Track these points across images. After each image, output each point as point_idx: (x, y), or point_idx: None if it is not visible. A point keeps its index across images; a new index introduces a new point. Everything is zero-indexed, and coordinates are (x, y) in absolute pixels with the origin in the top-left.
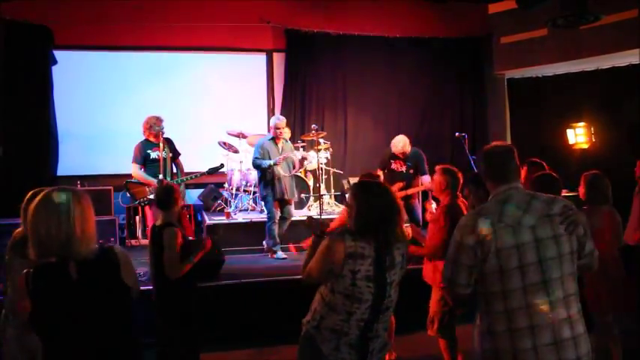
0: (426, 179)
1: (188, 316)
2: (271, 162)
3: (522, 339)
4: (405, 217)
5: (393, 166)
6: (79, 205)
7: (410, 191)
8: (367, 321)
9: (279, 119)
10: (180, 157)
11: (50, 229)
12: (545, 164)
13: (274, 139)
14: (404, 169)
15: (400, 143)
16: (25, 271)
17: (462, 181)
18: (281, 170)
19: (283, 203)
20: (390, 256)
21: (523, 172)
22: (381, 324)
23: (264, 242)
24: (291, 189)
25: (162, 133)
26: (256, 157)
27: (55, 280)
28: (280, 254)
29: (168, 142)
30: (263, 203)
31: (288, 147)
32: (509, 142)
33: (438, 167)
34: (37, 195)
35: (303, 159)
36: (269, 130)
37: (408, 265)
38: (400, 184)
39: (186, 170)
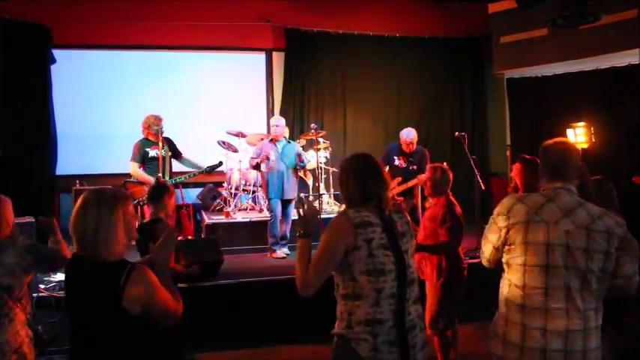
0: (423, 177)
1: None
2: (254, 161)
3: (534, 339)
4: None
5: (397, 162)
6: (98, 206)
7: (406, 185)
8: (398, 297)
9: (274, 118)
10: (183, 155)
11: (76, 225)
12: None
13: (272, 140)
14: (406, 165)
15: (411, 133)
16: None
17: (452, 178)
18: (265, 168)
19: (285, 203)
20: (394, 222)
21: (517, 169)
22: (412, 305)
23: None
24: (292, 188)
25: (162, 132)
26: (251, 157)
27: (76, 271)
28: (279, 253)
29: (168, 142)
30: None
31: (290, 148)
32: (509, 142)
33: (429, 166)
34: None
35: (300, 156)
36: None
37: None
38: (399, 179)
39: (180, 171)
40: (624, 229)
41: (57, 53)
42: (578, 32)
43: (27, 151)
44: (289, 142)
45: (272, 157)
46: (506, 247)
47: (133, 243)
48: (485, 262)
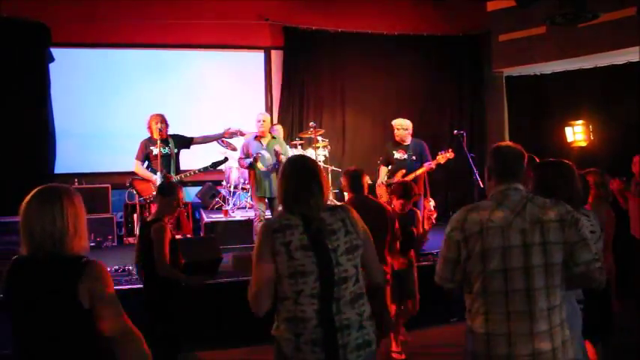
0: (427, 165)
1: (171, 314)
2: (250, 160)
3: (499, 345)
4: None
5: (396, 155)
6: (72, 202)
7: (414, 174)
8: (321, 297)
9: (258, 114)
10: (195, 138)
11: (45, 226)
12: (537, 159)
13: (257, 136)
14: (407, 156)
15: (400, 119)
16: (13, 259)
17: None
18: (263, 167)
19: (271, 201)
20: (322, 221)
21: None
22: (347, 304)
23: None
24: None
25: (165, 130)
26: (240, 158)
27: (23, 273)
28: None
29: (174, 138)
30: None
31: (274, 143)
32: (507, 139)
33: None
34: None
35: (278, 153)
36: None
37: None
38: (403, 171)
39: (182, 168)
40: (576, 215)
41: (56, 52)
42: (577, 30)
43: (26, 150)
44: (274, 138)
45: (265, 155)
46: (466, 258)
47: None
48: (447, 284)
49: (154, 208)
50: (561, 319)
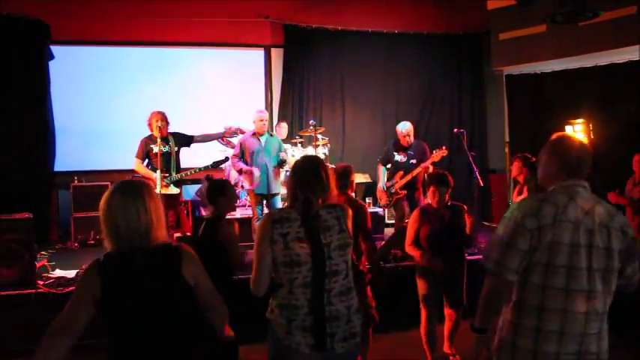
0: (423, 165)
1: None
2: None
3: (548, 342)
4: (407, 210)
5: (397, 157)
6: (152, 196)
7: (411, 175)
8: (313, 286)
9: (258, 112)
10: (195, 136)
11: (130, 222)
12: (533, 158)
13: (255, 134)
14: (407, 159)
15: (406, 125)
16: (94, 260)
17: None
18: (267, 163)
19: (270, 197)
20: (319, 217)
21: (516, 167)
22: (336, 296)
23: None
24: (277, 182)
25: (165, 128)
26: (233, 154)
27: (123, 268)
28: None
29: (174, 136)
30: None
31: (273, 141)
32: (507, 138)
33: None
34: None
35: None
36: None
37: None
38: (401, 173)
39: (183, 166)
40: (632, 228)
41: (55, 49)
42: (577, 29)
43: (25, 148)
44: (272, 136)
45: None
46: (533, 248)
47: None
48: (510, 276)
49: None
50: (607, 325)
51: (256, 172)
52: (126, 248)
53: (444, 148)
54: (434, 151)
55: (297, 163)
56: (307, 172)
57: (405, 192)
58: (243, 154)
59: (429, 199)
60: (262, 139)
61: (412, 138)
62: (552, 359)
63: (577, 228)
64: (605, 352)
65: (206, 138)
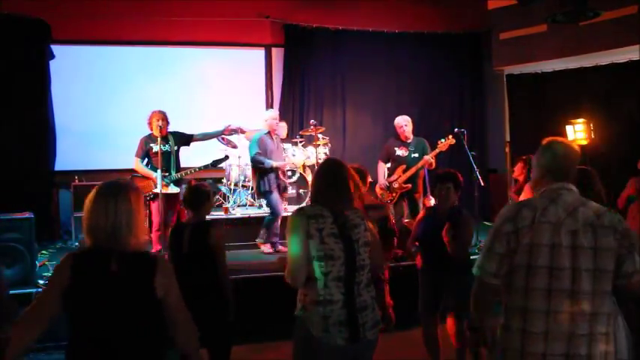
0: (427, 158)
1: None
2: (274, 164)
3: (535, 343)
4: (406, 212)
5: (399, 152)
6: (127, 199)
7: (416, 167)
8: (346, 280)
9: (275, 111)
10: (194, 135)
11: (99, 220)
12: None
13: (269, 133)
14: (409, 153)
15: (404, 116)
16: (69, 253)
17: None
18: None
19: (282, 198)
20: (346, 216)
21: (519, 167)
22: (364, 288)
23: (262, 237)
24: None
25: (165, 127)
26: (258, 153)
27: (95, 266)
28: (282, 248)
29: (174, 135)
30: (264, 199)
31: (277, 140)
32: (508, 138)
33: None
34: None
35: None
36: (267, 126)
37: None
38: (403, 166)
39: (182, 166)
40: (626, 225)
41: (56, 48)
42: (578, 28)
43: (26, 147)
44: (277, 136)
45: (272, 151)
46: (512, 252)
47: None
48: (490, 279)
49: (154, 206)
50: (607, 330)
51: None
52: (100, 247)
53: (450, 136)
54: (439, 142)
55: (321, 165)
56: (332, 174)
57: (410, 185)
58: (264, 153)
59: (431, 198)
60: (276, 140)
61: (411, 132)
62: (539, 359)
63: (558, 229)
64: (600, 355)
65: (206, 136)
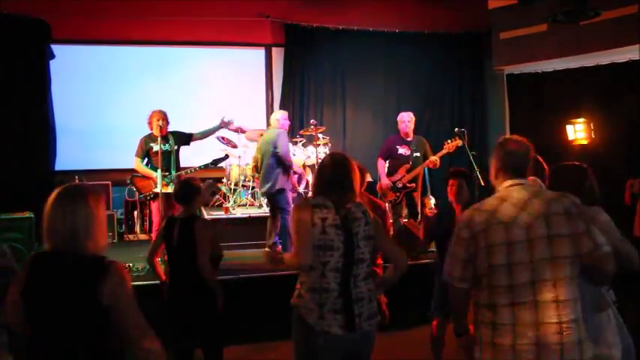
0: (432, 160)
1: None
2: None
3: (504, 334)
4: (405, 211)
5: (401, 151)
6: (85, 204)
7: (421, 167)
8: (343, 271)
9: (285, 111)
10: (194, 134)
11: (56, 224)
12: (540, 159)
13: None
14: (411, 152)
15: (409, 113)
16: (32, 253)
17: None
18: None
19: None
20: (348, 209)
21: None
22: (361, 280)
23: (275, 240)
24: None
25: (165, 127)
26: (289, 152)
27: (47, 269)
28: None
29: (174, 134)
30: (278, 197)
31: None
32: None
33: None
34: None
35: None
36: (280, 126)
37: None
38: (407, 166)
39: (183, 165)
40: (579, 206)
41: (56, 48)
42: (578, 28)
43: (26, 147)
44: None
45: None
46: (473, 255)
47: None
48: (457, 283)
49: (154, 206)
50: (577, 316)
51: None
52: (57, 250)
53: (457, 138)
54: (445, 142)
55: (324, 158)
56: (335, 167)
57: (414, 185)
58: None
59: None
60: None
61: (412, 131)
62: (509, 350)
63: (511, 226)
64: (575, 345)
65: (205, 134)
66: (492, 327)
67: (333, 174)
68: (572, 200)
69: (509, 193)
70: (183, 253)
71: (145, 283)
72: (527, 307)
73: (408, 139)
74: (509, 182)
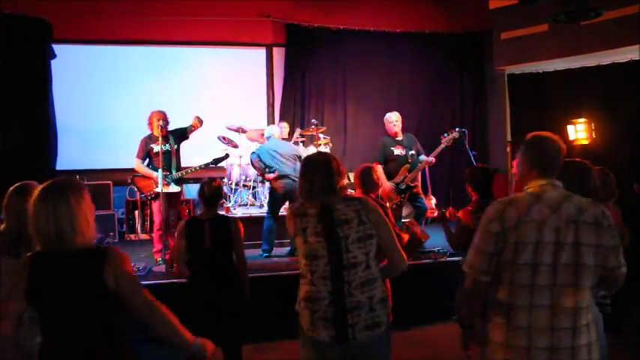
0: (423, 158)
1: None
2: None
3: (519, 337)
4: (405, 212)
5: (397, 151)
6: (66, 201)
7: (422, 166)
8: (332, 279)
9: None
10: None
11: (41, 226)
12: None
13: None
14: (406, 151)
15: (394, 114)
16: (27, 254)
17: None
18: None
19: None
20: (336, 211)
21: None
22: (357, 287)
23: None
24: None
25: (165, 127)
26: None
27: (47, 268)
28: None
29: (173, 133)
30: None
31: None
32: (509, 137)
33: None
34: (21, 189)
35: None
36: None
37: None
38: (407, 166)
39: (184, 165)
40: (610, 219)
41: (57, 48)
42: (579, 28)
43: (27, 147)
44: None
45: None
46: (500, 250)
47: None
48: (481, 276)
49: (155, 206)
50: (588, 321)
51: None
52: (48, 249)
53: (453, 130)
54: (442, 136)
55: (304, 162)
56: (315, 168)
57: (417, 183)
58: None
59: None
60: None
61: (401, 131)
62: (523, 353)
63: (541, 226)
64: (584, 346)
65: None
66: (506, 328)
67: (308, 177)
68: (602, 210)
69: (543, 193)
70: (218, 252)
71: (145, 283)
72: (544, 311)
73: (399, 138)
74: (542, 181)
